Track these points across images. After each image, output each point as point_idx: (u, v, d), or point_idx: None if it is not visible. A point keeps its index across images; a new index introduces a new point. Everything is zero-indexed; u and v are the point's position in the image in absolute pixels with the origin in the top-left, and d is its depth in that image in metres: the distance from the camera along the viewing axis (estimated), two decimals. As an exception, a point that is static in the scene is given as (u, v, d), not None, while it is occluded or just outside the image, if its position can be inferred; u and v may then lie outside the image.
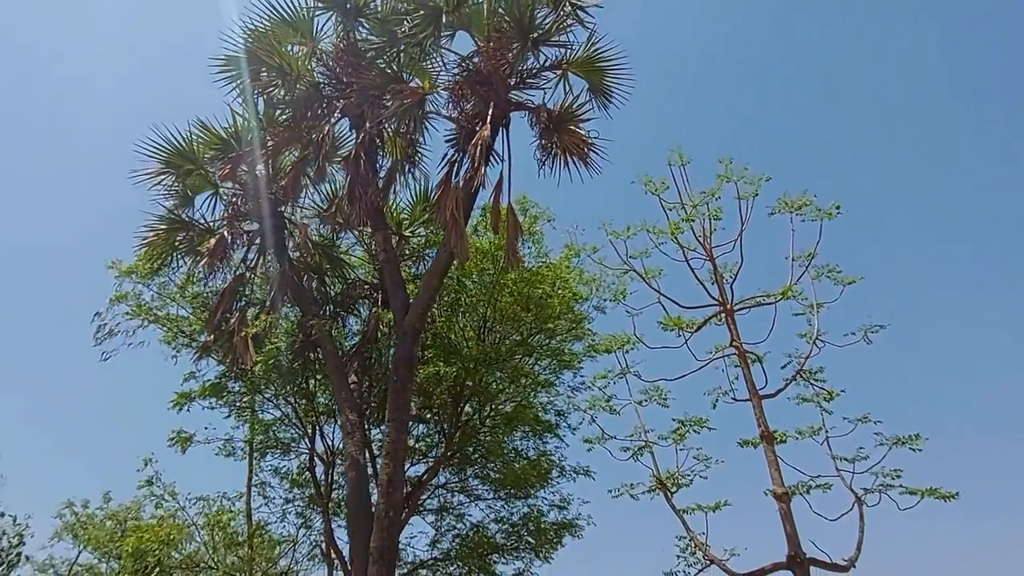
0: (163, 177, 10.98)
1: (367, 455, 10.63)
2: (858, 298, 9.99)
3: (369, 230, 11.05)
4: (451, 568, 12.88)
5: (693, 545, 9.32)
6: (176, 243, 11.17)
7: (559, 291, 11.65)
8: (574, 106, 9.44)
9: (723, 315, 10.13)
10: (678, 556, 9.53)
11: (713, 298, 10.23)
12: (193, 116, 10.69)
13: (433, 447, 12.85)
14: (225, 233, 10.65)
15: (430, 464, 12.46)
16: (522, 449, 12.52)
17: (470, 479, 13.29)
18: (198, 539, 11.83)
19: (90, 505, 12.33)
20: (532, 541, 13.05)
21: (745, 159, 10.44)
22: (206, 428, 11.87)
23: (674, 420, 10.12)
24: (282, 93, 10.28)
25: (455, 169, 9.76)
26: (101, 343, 11.82)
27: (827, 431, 9.23)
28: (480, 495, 13.13)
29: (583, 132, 9.32)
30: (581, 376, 12.83)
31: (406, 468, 13.11)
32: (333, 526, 11.86)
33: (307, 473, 12.49)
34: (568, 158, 9.47)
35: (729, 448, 10.00)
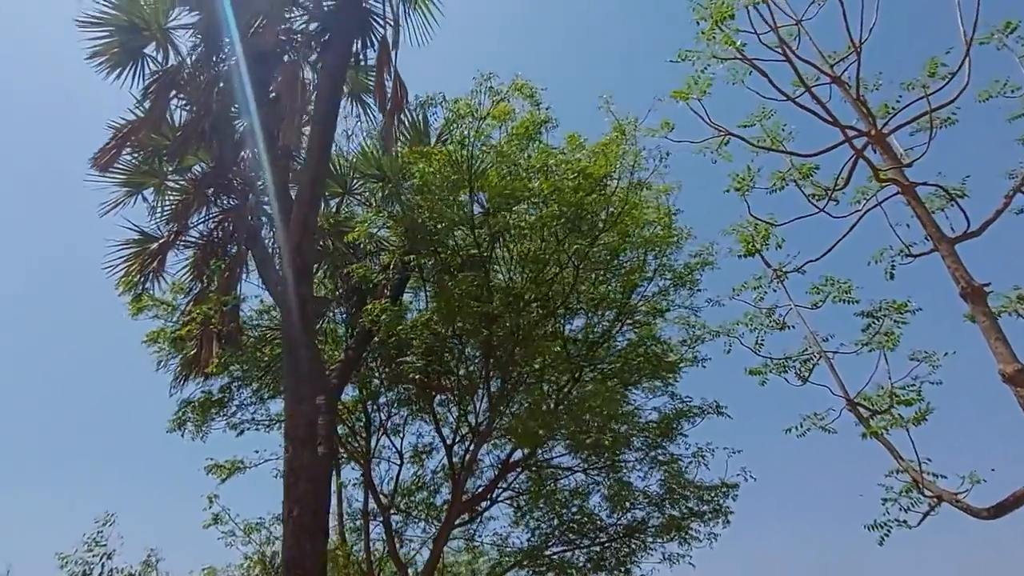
0: (127, 199, 10.25)
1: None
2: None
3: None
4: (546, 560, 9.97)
5: (912, 480, 5.78)
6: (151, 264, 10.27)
7: (559, 171, 8.33)
8: None
9: (870, 147, 6.20)
10: (885, 500, 5.93)
11: (851, 129, 6.12)
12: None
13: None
14: (169, 237, 9.49)
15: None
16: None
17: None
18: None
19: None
20: (667, 518, 9.63)
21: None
22: (256, 452, 10.68)
23: (858, 315, 6.72)
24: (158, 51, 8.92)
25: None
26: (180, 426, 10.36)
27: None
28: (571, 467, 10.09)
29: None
30: (700, 290, 9.98)
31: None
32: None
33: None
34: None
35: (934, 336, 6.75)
